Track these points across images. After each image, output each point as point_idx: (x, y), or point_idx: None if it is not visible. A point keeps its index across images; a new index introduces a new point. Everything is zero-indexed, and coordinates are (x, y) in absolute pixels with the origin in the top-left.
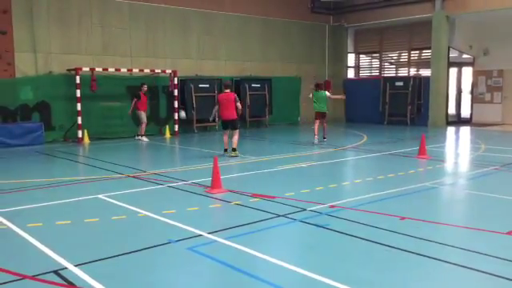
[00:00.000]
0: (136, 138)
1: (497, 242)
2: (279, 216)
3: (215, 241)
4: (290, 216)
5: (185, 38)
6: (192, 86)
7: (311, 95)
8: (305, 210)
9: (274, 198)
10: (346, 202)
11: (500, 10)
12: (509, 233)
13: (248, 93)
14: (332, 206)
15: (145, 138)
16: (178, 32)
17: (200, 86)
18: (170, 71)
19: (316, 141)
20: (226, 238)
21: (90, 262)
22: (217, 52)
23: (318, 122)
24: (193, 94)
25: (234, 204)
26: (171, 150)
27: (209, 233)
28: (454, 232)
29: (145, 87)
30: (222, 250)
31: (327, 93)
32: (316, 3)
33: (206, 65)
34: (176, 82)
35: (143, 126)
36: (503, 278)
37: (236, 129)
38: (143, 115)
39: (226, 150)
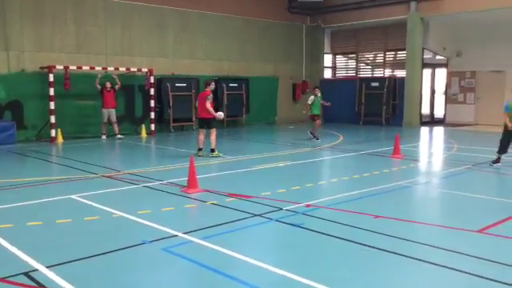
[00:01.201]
0: (117, 138)
1: (469, 240)
2: (255, 216)
3: (190, 241)
4: (266, 215)
5: (161, 36)
6: (168, 84)
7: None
8: (281, 209)
9: (250, 197)
10: (322, 201)
11: (473, 12)
12: (480, 231)
13: (225, 92)
14: (308, 206)
15: (103, 137)
16: (155, 30)
17: (177, 85)
18: (146, 70)
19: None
20: (201, 238)
21: (61, 264)
22: (194, 51)
23: None
24: (169, 93)
25: (210, 204)
26: (147, 149)
27: (184, 233)
28: (427, 230)
29: (107, 84)
30: (197, 251)
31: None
32: (293, 3)
33: (182, 63)
34: (152, 80)
35: (103, 125)
36: (475, 275)
37: (211, 128)
38: (104, 113)
39: (200, 150)
